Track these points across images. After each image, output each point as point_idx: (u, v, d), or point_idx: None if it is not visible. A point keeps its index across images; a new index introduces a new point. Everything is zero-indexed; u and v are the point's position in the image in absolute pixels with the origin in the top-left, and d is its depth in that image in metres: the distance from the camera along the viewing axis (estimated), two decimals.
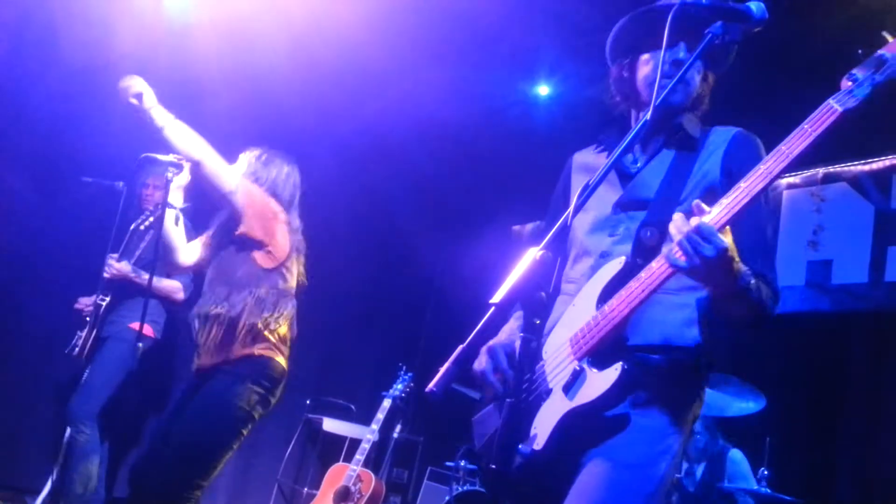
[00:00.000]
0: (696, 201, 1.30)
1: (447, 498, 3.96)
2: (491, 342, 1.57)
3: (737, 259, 1.31)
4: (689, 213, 1.30)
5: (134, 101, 2.63)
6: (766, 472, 3.28)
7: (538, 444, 1.41)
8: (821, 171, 4.29)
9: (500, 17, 4.89)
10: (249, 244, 2.67)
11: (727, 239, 1.27)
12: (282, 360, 2.66)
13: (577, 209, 1.32)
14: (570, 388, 1.42)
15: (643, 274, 1.38)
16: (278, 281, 2.70)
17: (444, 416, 5.23)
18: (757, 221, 1.48)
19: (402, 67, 5.19)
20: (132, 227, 3.62)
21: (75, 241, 4.52)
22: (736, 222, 1.30)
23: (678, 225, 1.29)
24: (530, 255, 1.22)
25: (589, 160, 1.76)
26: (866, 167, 4.14)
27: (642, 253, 1.46)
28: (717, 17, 1.42)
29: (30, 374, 4.55)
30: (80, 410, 3.58)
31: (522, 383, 1.22)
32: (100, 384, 3.63)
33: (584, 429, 1.42)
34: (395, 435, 4.87)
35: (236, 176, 2.72)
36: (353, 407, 5.14)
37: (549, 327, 1.58)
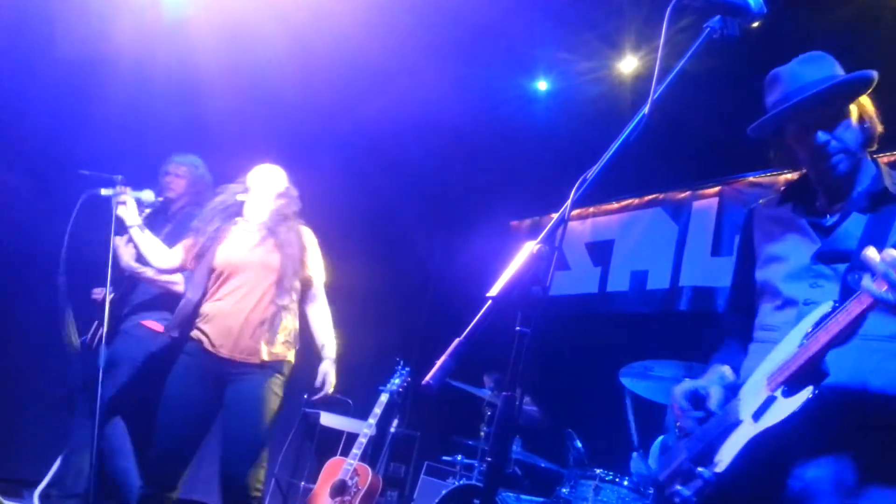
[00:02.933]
0: None
1: (443, 492, 3.97)
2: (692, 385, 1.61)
3: None
4: None
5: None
6: None
7: (720, 468, 1.43)
8: None
9: (498, 13, 4.88)
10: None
11: None
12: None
13: (574, 203, 1.30)
14: (759, 414, 1.43)
15: (848, 303, 1.35)
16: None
17: (441, 410, 5.25)
18: None
19: (400, 64, 5.18)
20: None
21: (73, 235, 4.51)
22: None
23: (883, 256, 1.25)
24: (527, 250, 1.22)
25: (777, 214, 1.74)
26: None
27: (849, 296, 1.42)
28: (716, 12, 1.41)
29: (27, 370, 4.55)
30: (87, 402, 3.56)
31: (514, 379, 1.22)
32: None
33: (788, 457, 1.41)
34: (393, 429, 4.88)
35: None
36: (350, 401, 5.15)
37: (746, 375, 1.59)
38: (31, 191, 4.51)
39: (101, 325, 3.54)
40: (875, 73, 1.57)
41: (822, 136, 1.56)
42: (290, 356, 2.98)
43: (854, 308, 1.33)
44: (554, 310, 5.24)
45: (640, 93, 4.77)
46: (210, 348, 2.86)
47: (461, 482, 4.07)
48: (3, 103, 4.29)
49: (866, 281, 1.29)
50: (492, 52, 5.33)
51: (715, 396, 1.58)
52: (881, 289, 1.25)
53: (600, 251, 5.41)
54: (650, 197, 5.20)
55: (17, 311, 4.49)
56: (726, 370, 1.67)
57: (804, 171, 1.69)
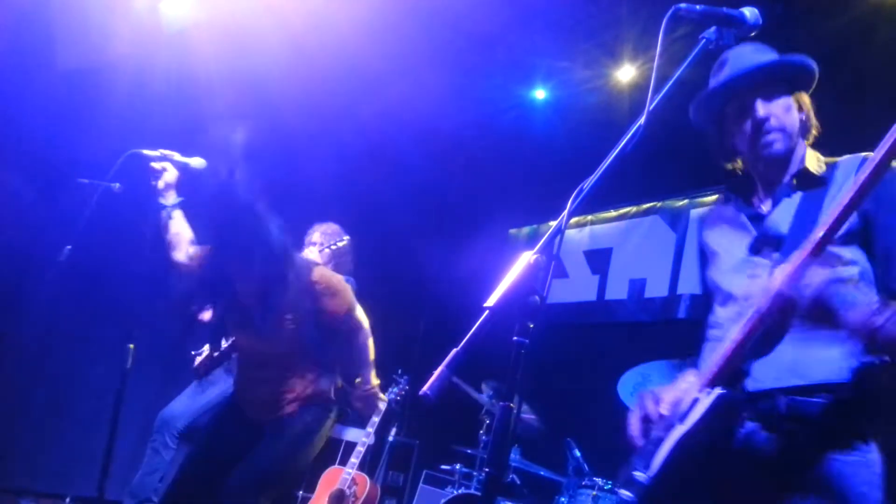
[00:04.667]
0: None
1: (442, 501, 3.95)
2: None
3: (841, 290, 1.25)
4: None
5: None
6: None
7: (651, 470, 1.45)
8: None
9: (496, 22, 4.90)
10: None
11: (824, 272, 1.23)
12: None
13: (572, 212, 1.31)
14: (684, 416, 1.46)
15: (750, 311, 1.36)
16: None
17: (439, 419, 5.24)
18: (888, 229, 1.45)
19: (399, 71, 5.20)
20: None
21: (73, 242, 4.52)
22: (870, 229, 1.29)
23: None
24: (525, 259, 1.22)
25: (720, 213, 1.76)
26: None
27: None
28: (712, 23, 1.42)
29: (26, 374, 4.54)
30: (174, 424, 3.52)
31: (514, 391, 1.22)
32: (197, 406, 3.55)
33: (720, 459, 1.43)
34: (391, 438, 4.86)
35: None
36: (348, 409, 5.13)
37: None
38: (31, 198, 4.52)
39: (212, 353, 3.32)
40: (815, 65, 1.60)
41: (761, 109, 1.57)
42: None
43: (753, 315, 1.34)
44: (552, 318, 5.24)
45: (638, 101, 4.79)
46: None
47: (460, 491, 4.05)
48: (3, 110, 4.30)
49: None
50: (490, 60, 5.35)
51: (666, 399, 1.58)
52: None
53: (599, 259, 5.42)
54: (648, 205, 5.21)
55: (16, 317, 4.49)
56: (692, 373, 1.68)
57: (742, 165, 1.71)
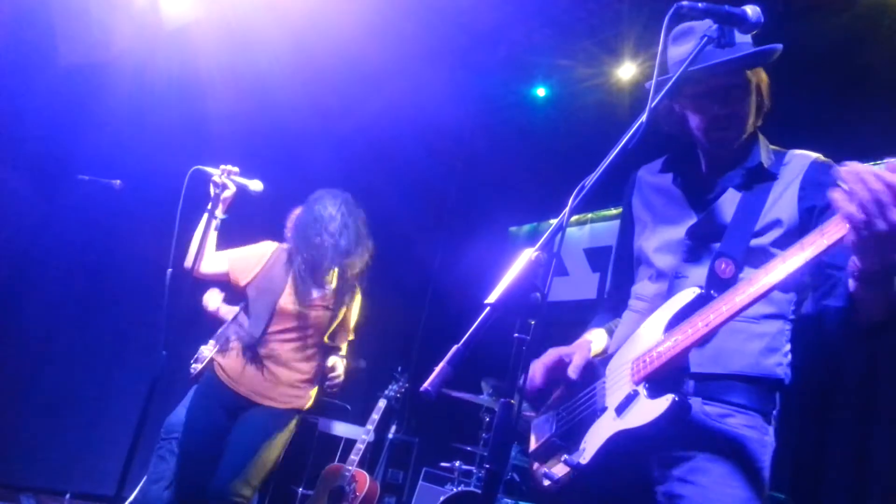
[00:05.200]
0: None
1: (441, 498, 3.96)
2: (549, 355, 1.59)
3: None
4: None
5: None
6: None
7: (584, 459, 1.45)
8: None
9: (497, 20, 4.90)
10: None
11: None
12: None
13: (573, 210, 1.31)
14: (622, 409, 1.44)
15: (720, 305, 1.34)
16: None
17: (439, 416, 5.24)
18: None
19: (400, 69, 5.20)
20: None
21: (74, 238, 4.53)
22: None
23: (866, 178, 1.12)
24: (525, 256, 1.22)
25: (658, 181, 1.72)
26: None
27: (716, 285, 1.45)
28: (714, 21, 1.42)
29: (26, 371, 4.54)
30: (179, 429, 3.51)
31: (518, 385, 1.22)
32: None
33: (649, 456, 1.44)
34: (391, 435, 4.87)
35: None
36: (348, 407, 5.14)
37: (616, 345, 1.60)
38: (32, 194, 4.52)
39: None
40: (780, 46, 1.53)
41: (721, 106, 1.55)
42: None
43: (715, 320, 1.33)
44: (552, 315, 5.23)
45: (639, 99, 4.79)
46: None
47: (459, 488, 4.06)
48: (4, 108, 4.30)
49: (844, 212, 1.15)
50: (491, 58, 5.35)
51: (575, 362, 1.57)
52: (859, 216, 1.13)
53: (599, 257, 5.42)
54: None
55: (16, 314, 4.49)
56: (596, 335, 1.70)
57: (685, 138, 1.66)
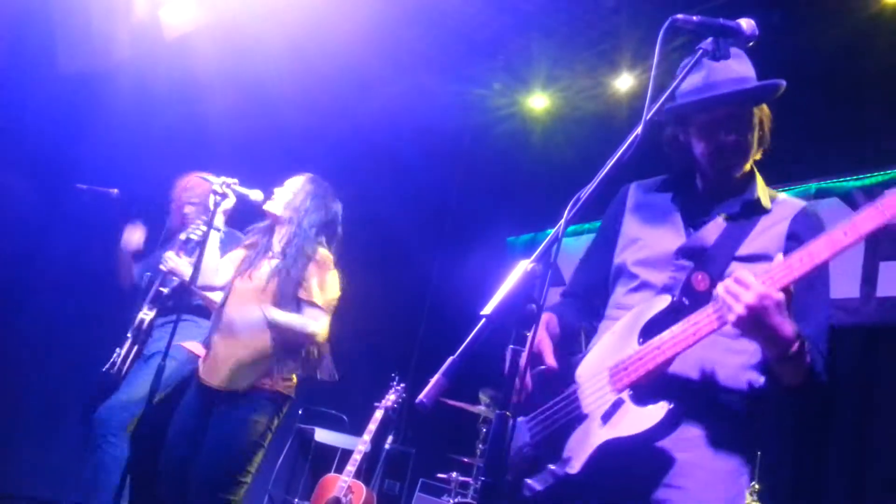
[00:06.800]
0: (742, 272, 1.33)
1: None
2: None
3: (786, 315, 1.33)
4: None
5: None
6: (756, 486, 3.28)
7: (572, 468, 1.44)
8: (813, 186, 4.33)
9: (496, 31, 4.92)
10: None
11: (779, 295, 1.30)
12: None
13: (569, 222, 1.31)
14: (608, 417, 1.44)
15: (697, 317, 1.40)
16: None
17: (436, 427, 5.23)
18: (813, 288, 1.49)
19: (398, 79, 5.22)
20: (180, 238, 3.35)
21: (74, 246, 4.52)
22: (794, 288, 1.33)
23: (724, 282, 1.34)
24: (521, 267, 1.22)
25: (653, 200, 1.75)
26: (858, 182, 4.18)
27: (689, 294, 1.50)
28: (709, 34, 1.43)
29: (23, 378, 4.53)
30: (112, 420, 3.46)
31: (512, 396, 1.21)
32: (138, 398, 3.47)
33: (637, 463, 1.44)
34: (387, 446, 4.85)
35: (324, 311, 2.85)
36: (345, 417, 5.12)
37: (586, 350, 1.62)
38: (33, 202, 4.52)
39: (130, 349, 3.38)
40: (785, 83, 1.59)
41: (730, 135, 1.58)
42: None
43: (704, 328, 1.39)
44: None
45: (636, 110, 4.80)
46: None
47: (456, 500, 4.04)
48: (6, 115, 4.31)
49: (722, 291, 1.34)
50: (490, 68, 5.37)
51: (548, 350, 1.59)
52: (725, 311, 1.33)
53: None
54: None
55: (14, 322, 4.48)
56: (550, 316, 1.71)
57: (686, 164, 1.70)
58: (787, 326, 1.33)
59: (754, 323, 1.31)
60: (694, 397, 1.47)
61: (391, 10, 4.60)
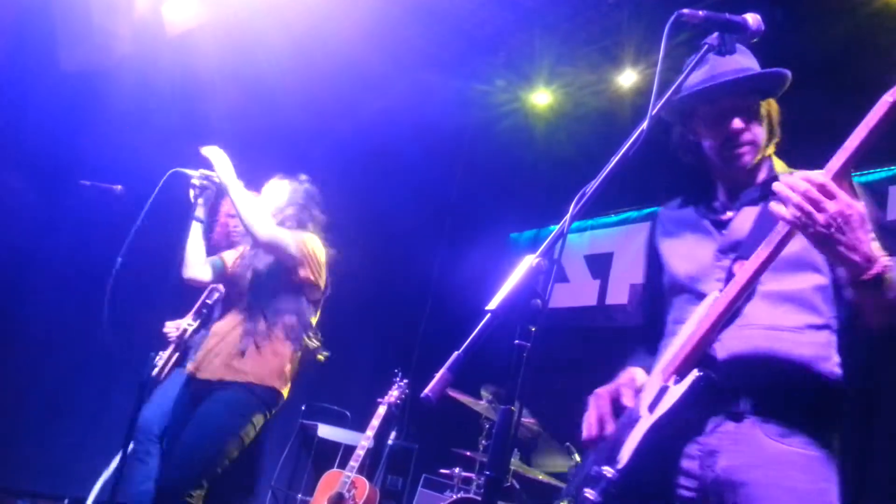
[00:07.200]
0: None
1: None
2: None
3: (871, 230, 1.26)
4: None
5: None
6: None
7: (621, 462, 1.44)
8: None
9: (499, 27, 4.92)
10: (300, 283, 2.85)
11: (861, 208, 1.23)
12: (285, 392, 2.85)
13: (574, 217, 1.31)
14: (654, 406, 1.46)
15: (734, 279, 1.40)
16: (312, 314, 2.91)
17: (439, 423, 5.23)
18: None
19: (400, 75, 5.22)
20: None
21: (76, 243, 4.53)
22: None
23: (793, 183, 1.26)
24: (526, 262, 1.22)
25: (679, 216, 1.76)
26: (861, 179, 4.17)
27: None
28: (714, 29, 1.43)
29: (25, 374, 4.54)
30: (153, 429, 3.48)
31: (516, 392, 1.21)
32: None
33: (682, 442, 1.43)
34: (390, 442, 4.86)
35: (291, 236, 2.83)
36: (347, 413, 5.13)
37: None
38: (35, 199, 4.53)
39: (171, 356, 3.43)
40: (790, 74, 1.59)
41: (738, 122, 1.58)
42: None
43: (731, 290, 1.39)
44: (553, 322, 5.24)
45: (640, 106, 4.80)
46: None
47: (459, 495, 4.05)
48: (7, 113, 4.31)
49: (776, 206, 1.30)
50: (492, 64, 5.36)
51: (627, 394, 1.59)
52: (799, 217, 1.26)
53: (599, 264, 5.42)
54: (649, 210, 5.21)
55: (15, 318, 4.49)
56: (637, 371, 1.69)
57: (701, 163, 1.70)
58: (871, 239, 1.25)
59: (833, 238, 1.23)
60: (764, 396, 1.43)
61: (392, 7, 4.59)
